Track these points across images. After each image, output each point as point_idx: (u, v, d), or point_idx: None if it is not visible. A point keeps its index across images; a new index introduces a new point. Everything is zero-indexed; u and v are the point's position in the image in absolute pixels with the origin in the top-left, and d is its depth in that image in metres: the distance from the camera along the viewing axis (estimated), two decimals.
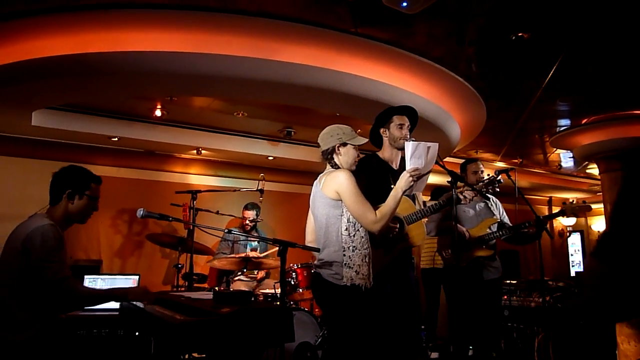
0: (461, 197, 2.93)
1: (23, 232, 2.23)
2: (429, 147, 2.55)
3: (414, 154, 2.52)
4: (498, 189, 3.17)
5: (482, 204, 3.74)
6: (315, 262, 2.53)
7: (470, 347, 3.78)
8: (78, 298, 2.28)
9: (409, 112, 3.01)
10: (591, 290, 1.16)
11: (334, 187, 2.42)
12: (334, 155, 2.53)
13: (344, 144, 2.52)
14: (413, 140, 2.59)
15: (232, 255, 4.63)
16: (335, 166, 2.53)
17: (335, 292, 2.39)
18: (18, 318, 2.18)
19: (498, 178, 3.10)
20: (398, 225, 2.83)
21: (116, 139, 5.16)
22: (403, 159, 3.04)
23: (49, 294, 2.21)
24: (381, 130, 2.99)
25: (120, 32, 3.30)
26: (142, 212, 2.25)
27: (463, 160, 3.96)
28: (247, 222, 5.26)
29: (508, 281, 5.06)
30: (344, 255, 2.40)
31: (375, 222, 2.38)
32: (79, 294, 2.29)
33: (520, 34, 3.52)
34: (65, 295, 2.23)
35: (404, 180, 2.47)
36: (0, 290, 2.23)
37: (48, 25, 3.23)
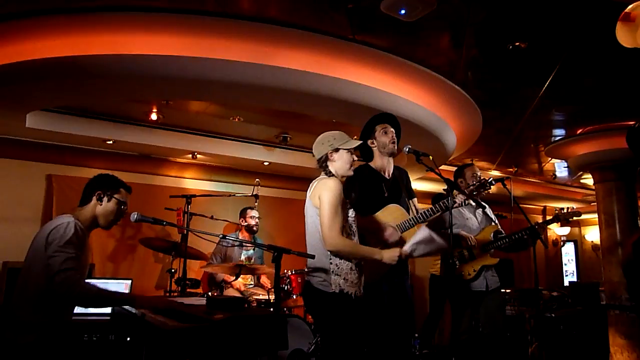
0: (456, 200, 2.93)
1: (48, 228, 2.25)
2: (438, 246, 2.50)
3: (421, 241, 2.47)
4: (490, 191, 3.14)
5: (481, 211, 3.72)
6: (306, 269, 2.51)
7: None
8: (79, 293, 2.15)
9: (388, 118, 3.04)
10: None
11: (318, 193, 2.41)
12: (328, 163, 2.51)
13: (336, 150, 2.50)
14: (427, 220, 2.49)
15: (219, 265, 4.63)
16: (330, 174, 2.49)
17: (325, 300, 2.37)
18: (23, 320, 2.17)
19: (490, 180, 3.08)
20: (399, 239, 2.82)
21: (111, 142, 5.13)
22: (396, 168, 3.05)
23: (50, 286, 2.13)
24: (369, 142, 3.00)
25: (117, 35, 3.29)
26: (135, 216, 2.25)
27: (457, 167, 3.94)
28: (255, 222, 5.16)
29: (502, 290, 5.05)
30: (331, 263, 2.38)
31: (332, 240, 2.33)
32: (83, 289, 2.17)
33: (517, 44, 3.53)
34: (66, 288, 2.12)
35: (388, 256, 2.43)
36: (18, 290, 2.24)
37: (43, 27, 3.21)
